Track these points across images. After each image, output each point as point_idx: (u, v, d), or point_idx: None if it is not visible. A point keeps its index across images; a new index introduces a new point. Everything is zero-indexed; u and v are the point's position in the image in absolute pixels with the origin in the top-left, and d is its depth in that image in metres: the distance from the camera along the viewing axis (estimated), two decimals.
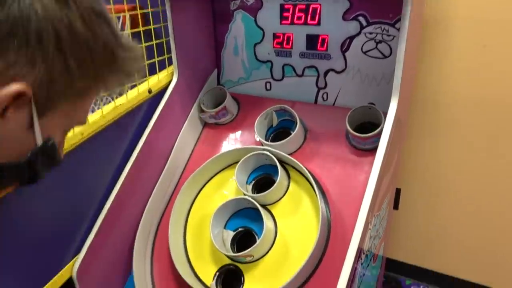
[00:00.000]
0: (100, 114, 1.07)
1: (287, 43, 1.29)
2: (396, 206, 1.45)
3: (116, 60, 0.50)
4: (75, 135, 1.01)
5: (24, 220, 0.95)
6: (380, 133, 1.01)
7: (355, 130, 1.12)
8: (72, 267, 1.06)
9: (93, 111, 1.09)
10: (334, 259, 1.03)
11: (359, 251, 0.88)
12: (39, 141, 0.47)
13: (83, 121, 0.54)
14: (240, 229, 1.16)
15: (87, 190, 1.13)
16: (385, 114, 1.03)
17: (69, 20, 0.43)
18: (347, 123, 1.12)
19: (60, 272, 1.03)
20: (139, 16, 1.26)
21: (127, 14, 1.25)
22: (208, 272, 1.12)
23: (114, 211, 1.15)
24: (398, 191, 1.44)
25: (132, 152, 1.21)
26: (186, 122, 1.38)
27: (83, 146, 1.06)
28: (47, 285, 0.99)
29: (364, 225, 0.87)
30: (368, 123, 1.16)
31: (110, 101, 1.14)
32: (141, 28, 1.21)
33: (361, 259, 0.93)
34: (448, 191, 1.54)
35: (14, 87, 0.41)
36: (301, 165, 1.12)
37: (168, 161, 1.32)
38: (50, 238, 1.01)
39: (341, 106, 1.25)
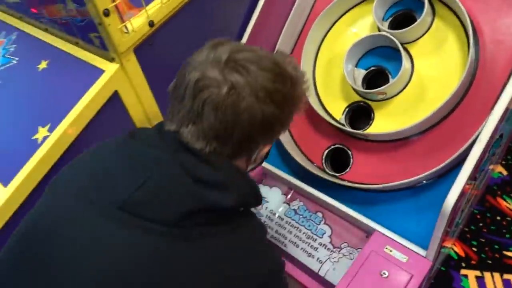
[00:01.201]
0: None
1: None
2: None
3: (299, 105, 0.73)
4: None
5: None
6: None
7: None
8: None
9: None
10: (474, 107, 0.98)
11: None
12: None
13: None
14: (372, 68, 1.15)
15: (223, 25, 1.18)
16: None
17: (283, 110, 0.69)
18: None
19: None
20: None
21: None
22: (338, 108, 1.18)
23: (253, 38, 1.21)
24: None
25: None
26: None
27: None
28: None
29: None
30: None
31: None
32: None
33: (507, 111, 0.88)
34: None
35: (265, 149, 0.75)
36: None
37: None
38: None
39: None
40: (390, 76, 1.11)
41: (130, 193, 0.59)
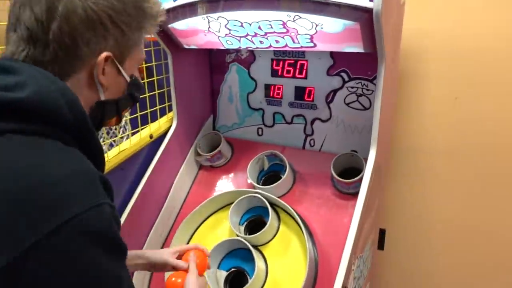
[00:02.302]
0: (106, 159, 1.16)
1: (278, 93, 1.41)
2: (381, 247, 1.52)
3: (145, 11, 0.70)
4: None
5: None
6: (361, 179, 1.11)
7: (340, 174, 1.22)
8: None
9: None
10: None
11: None
12: (128, 78, 0.72)
13: (143, 57, 0.77)
14: (232, 269, 1.23)
15: None
16: (366, 160, 1.13)
17: (111, 3, 0.64)
18: (332, 169, 1.22)
19: None
20: (144, 69, 1.38)
21: None
22: None
23: None
24: (383, 232, 1.52)
25: (133, 193, 1.30)
26: (183, 164, 1.47)
27: None
28: None
29: (347, 267, 0.95)
30: (352, 168, 1.26)
31: (114, 146, 1.24)
32: (145, 80, 1.33)
33: None
34: (430, 233, 1.63)
35: (103, 55, 0.65)
36: (290, 208, 1.20)
37: (166, 202, 1.40)
38: None
39: (327, 152, 1.36)
40: (248, 277, 1.19)
41: None
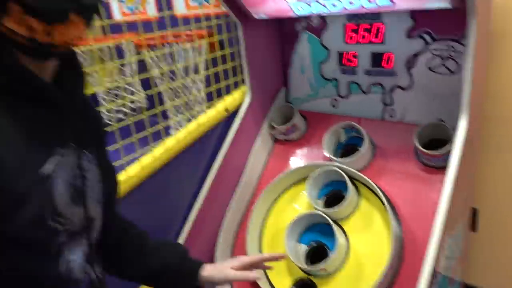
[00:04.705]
0: (186, 133, 1.20)
1: (352, 61, 1.33)
2: (474, 228, 1.39)
3: None
4: (167, 150, 1.15)
5: None
6: (450, 150, 1.02)
7: (424, 146, 1.14)
8: None
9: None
10: (408, 278, 1.05)
11: (434, 271, 0.90)
12: None
13: None
14: (313, 244, 1.22)
15: (174, 203, 1.27)
16: (455, 130, 1.03)
17: None
18: (415, 139, 1.13)
19: None
20: (216, 43, 1.38)
21: (205, 41, 1.37)
22: (283, 284, 1.20)
23: (198, 221, 1.29)
24: (474, 211, 1.38)
25: (211, 166, 1.33)
26: (259, 137, 1.48)
27: (172, 162, 1.20)
28: None
29: (438, 245, 0.89)
30: (437, 140, 1.16)
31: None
32: (218, 53, 1.33)
33: (436, 277, 0.95)
34: None
35: None
36: (371, 181, 1.15)
37: (244, 176, 1.42)
38: None
39: (409, 122, 1.26)
40: (329, 252, 1.18)
41: None
